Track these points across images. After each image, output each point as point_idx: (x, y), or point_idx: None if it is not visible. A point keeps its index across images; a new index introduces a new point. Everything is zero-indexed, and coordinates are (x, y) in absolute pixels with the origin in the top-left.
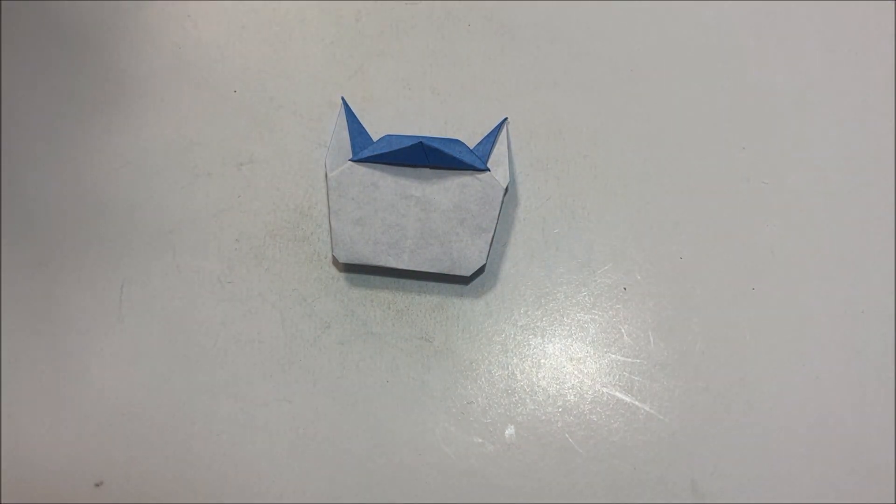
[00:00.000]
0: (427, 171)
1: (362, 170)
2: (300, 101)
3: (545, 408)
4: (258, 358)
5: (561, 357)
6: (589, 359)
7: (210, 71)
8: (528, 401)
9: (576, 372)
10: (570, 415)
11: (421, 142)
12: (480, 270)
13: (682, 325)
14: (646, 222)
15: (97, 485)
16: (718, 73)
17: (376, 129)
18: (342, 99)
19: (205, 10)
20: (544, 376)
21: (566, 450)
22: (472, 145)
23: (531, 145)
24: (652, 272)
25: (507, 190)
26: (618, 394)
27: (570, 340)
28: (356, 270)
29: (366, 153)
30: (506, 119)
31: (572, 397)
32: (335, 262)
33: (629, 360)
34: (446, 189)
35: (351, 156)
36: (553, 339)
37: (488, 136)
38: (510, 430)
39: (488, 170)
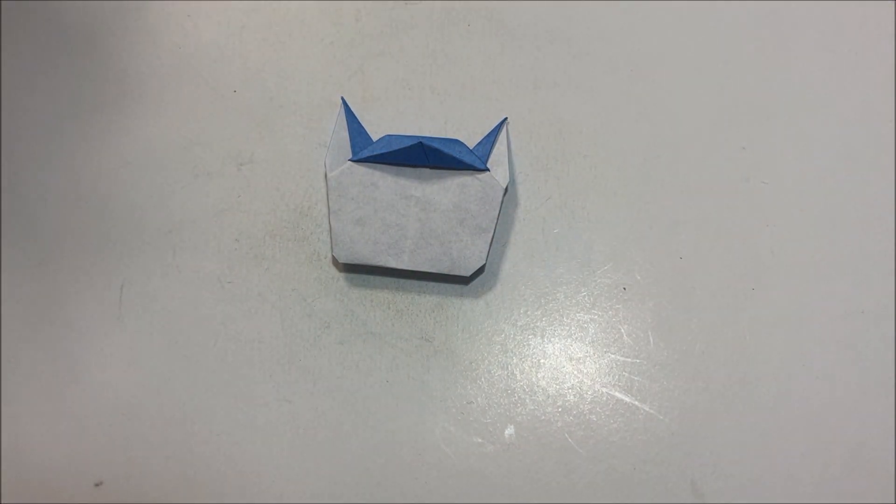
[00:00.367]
0: (427, 171)
1: (362, 170)
2: (300, 101)
3: (545, 408)
4: (258, 358)
5: (560, 357)
6: (588, 359)
7: (210, 71)
8: (527, 401)
9: (575, 372)
10: (569, 415)
11: (421, 142)
12: (480, 270)
13: (682, 325)
14: (646, 222)
15: (97, 485)
16: (718, 72)
17: (376, 129)
18: (342, 99)
19: (205, 10)
20: (544, 376)
21: (566, 450)
22: (472, 145)
23: (531, 145)
24: (652, 272)
25: (506, 190)
26: (617, 394)
27: (569, 340)
28: (356, 270)
29: (366, 153)
30: (506, 119)
31: (572, 397)
32: (335, 262)
33: (629, 360)
34: (446, 189)
35: (351, 156)
36: (553, 339)
37: (488, 136)
38: (510, 430)
39: (488, 170)
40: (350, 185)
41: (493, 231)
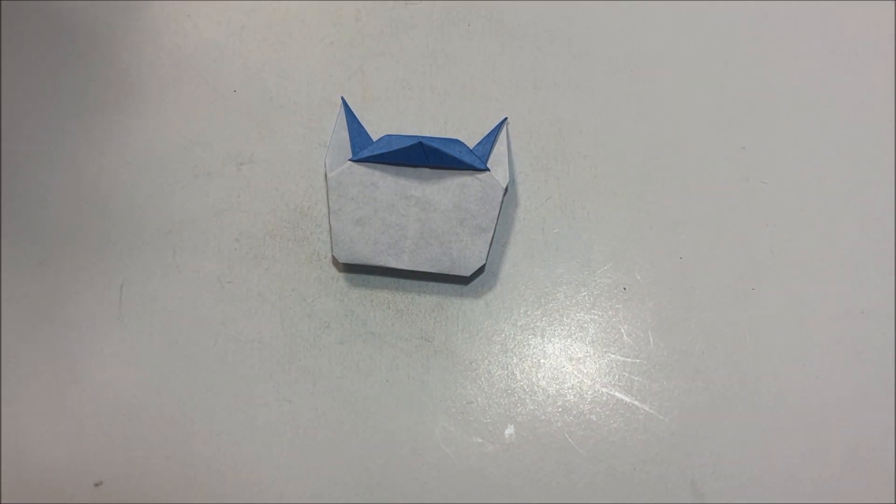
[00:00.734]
0: (427, 171)
1: (362, 170)
2: (300, 101)
3: (545, 408)
4: (258, 358)
5: (560, 357)
6: (588, 359)
7: (210, 71)
8: (527, 401)
9: (575, 372)
10: (569, 415)
11: (421, 142)
12: (480, 270)
13: (682, 325)
14: (646, 222)
15: (97, 485)
16: (718, 72)
17: (376, 129)
18: (342, 99)
19: (205, 10)
20: (544, 376)
21: (566, 449)
22: (472, 145)
23: (531, 145)
24: (652, 272)
25: (506, 190)
26: (617, 394)
27: (569, 340)
28: (356, 270)
29: (365, 153)
30: (506, 119)
31: (572, 397)
32: (335, 262)
33: (629, 360)
34: (446, 189)
35: (351, 156)
36: (553, 339)
37: (488, 135)
38: (510, 430)
39: (488, 170)
40: (350, 185)
41: (493, 231)
